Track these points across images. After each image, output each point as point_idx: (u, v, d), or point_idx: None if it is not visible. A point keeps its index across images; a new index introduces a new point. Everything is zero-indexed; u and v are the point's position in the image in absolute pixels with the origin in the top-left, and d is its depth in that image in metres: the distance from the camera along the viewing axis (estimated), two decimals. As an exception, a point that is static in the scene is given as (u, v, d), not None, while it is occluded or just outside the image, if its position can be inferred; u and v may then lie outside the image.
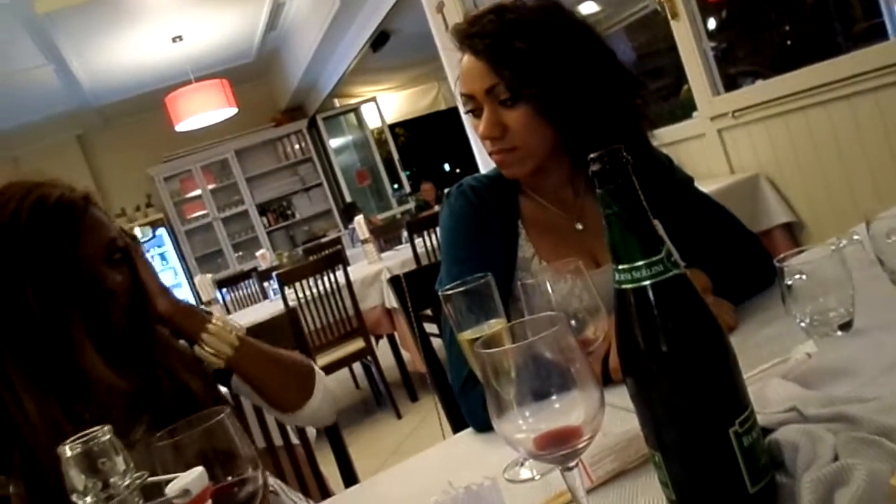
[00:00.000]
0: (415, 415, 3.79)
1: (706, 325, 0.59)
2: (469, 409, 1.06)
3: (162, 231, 8.36)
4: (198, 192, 8.59)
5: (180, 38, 6.28)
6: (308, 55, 7.03)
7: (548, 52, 1.07)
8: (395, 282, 1.44)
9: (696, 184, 1.34)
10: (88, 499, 0.49)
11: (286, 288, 3.72)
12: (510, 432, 0.56)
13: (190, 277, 8.25)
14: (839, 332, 0.89)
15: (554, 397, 0.54)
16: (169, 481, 0.54)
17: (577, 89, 1.08)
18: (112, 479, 0.49)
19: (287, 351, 1.27)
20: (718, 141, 2.89)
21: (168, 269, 8.39)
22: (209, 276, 4.35)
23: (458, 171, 12.39)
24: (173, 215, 8.47)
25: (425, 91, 9.70)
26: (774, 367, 0.79)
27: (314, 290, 3.69)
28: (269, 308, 4.04)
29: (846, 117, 2.40)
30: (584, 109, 1.09)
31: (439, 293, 0.83)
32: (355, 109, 9.44)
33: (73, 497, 0.49)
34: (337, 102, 9.16)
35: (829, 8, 7.44)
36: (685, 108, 3.64)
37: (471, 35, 1.11)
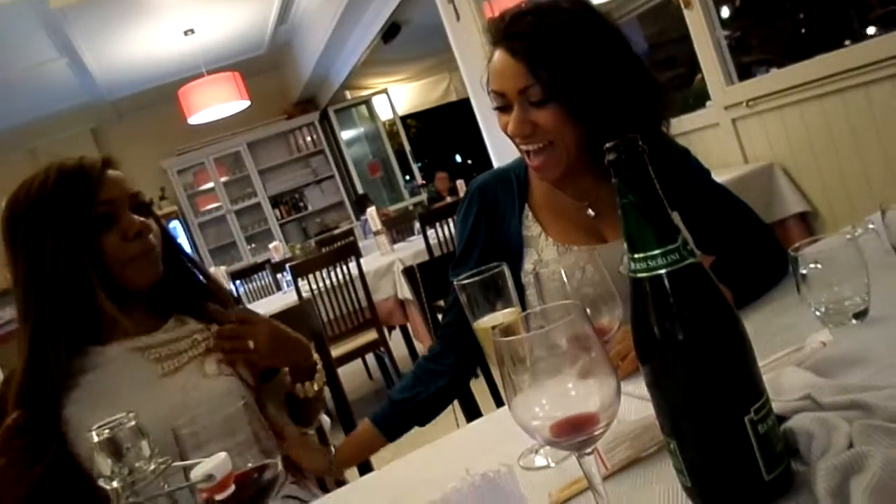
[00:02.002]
0: (428, 405, 3.80)
1: (722, 314, 0.59)
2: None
3: (176, 223, 8.41)
4: (211, 184, 8.63)
5: (192, 31, 6.30)
6: (319, 47, 7.03)
7: (583, 57, 1.09)
8: (409, 273, 1.45)
9: (712, 174, 1.36)
10: (115, 483, 0.50)
11: (299, 280, 3.74)
12: (527, 419, 0.56)
13: (204, 269, 8.28)
14: (854, 321, 0.89)
15: (570, 385, 0.55)
16: (192, 466, 0.55)
17: (606, 92, 1.10)
18: (137, 464, 0.50)
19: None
20: (732, 130, 2.88)
21: (182, 261, 8.43)
22: (223, 268, 4.37)
23: (469, 161, 12.39)
24: (187, 208, 8.52)
25: (436, 82, 9.68)
26: (789, 356, 0.80)
27: (327, 282, 3.71)
28: (283, 300, 4.06)
29: (862, 106, 2.38)
30: (611, 111, 1.11)
31: (454, 282, 0.84)
32: (367, 101, 9.44)
33: (101, 482, 0.50)
34: (348, 94, 9.16)
35: (845, -3, 7.35)
36: (698, 98, 3.62)
37: (510, 35, 1.13)
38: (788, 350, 0.82)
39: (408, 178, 9.67)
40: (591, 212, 1.24)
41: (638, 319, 0.61)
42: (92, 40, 5.85)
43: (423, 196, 8.93)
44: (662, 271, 0.59)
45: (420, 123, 10.65)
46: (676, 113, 3.17)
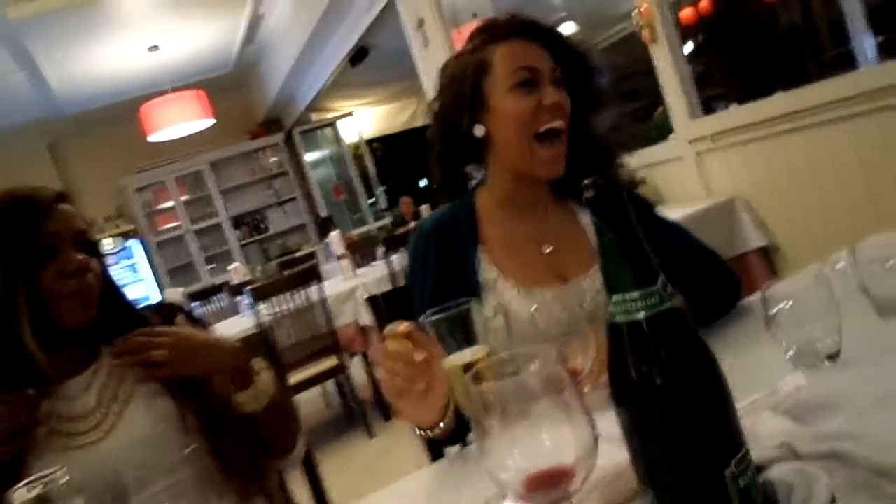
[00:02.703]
0: (387, 434, 3.74)
1: (703, 362, 0.57)
2: None
3: (133, 242, 8.22)
4: (171, 203, 8.47)
5: (157, 47, 6.21)
6: (286, 68, 6.99)
7: (586, 67, 1.25)
8: (372, 301, 1.41)
9: (672, 206, 1.40)
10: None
11: (259, 303, 3.66)
12: (497, 471, 0.53)
13: (160, 290, 8.11)
14: (826, 363, 0.88)
15: (544, 435, 0.52)
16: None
17: (595, 105, 1.25)
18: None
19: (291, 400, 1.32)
20: (695, 164, 2.91)
21: (139, 281, 8.24)
22: (180, 289, 4.26)
23: (434, 186, 12.40)
24: (145, 226, 8.34)
25: (403, 107, 9.70)
26: (764, 399, 0.78)
27: (288, 306, 3.64)
28: (241, 323, 3.97)
29: (822, 144, 2.43)
30: (591, 128, 1.25)
31: (420, 319, 0.80)
32: (332, 124, 9.40)
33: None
34: (314, 116, 9.11)
35: (800, 35, 7.61)
36: (660, 130, 3.67)
37: (531, 25, 1.23)
38: (763, 394, 0.80)
39: (372, 201, 9.62)
40: (547, 249, 1.23)
41: (615, 363, 0.58)
42: (52, 53, 5.72)
43: (388, 220, 8.89)
44: (641, 315, 0.56)
45: (385, 147, 10.63)
46: (638, 145, 3.23)
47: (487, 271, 1.21)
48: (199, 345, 1.16)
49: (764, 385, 0.83)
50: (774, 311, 0.91)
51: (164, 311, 1.30)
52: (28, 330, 1.07)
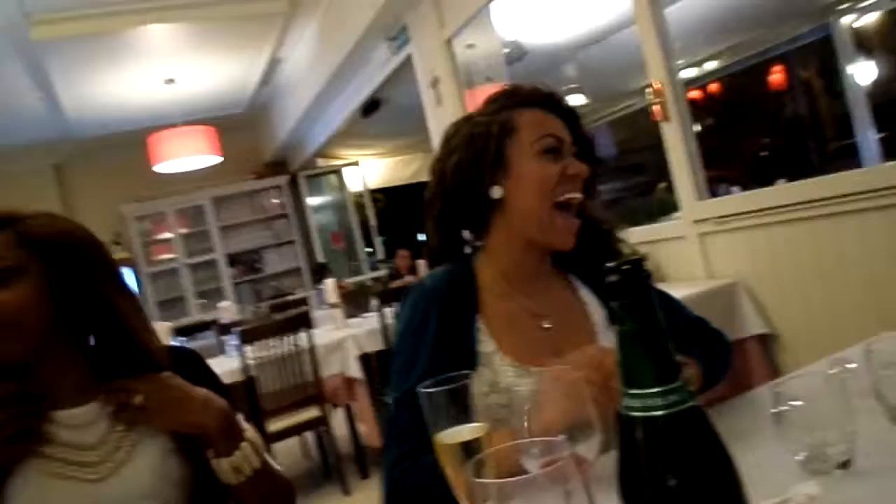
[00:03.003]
0: (363, 492, 3.63)
1: (721, 466, 0.53)
2: (391, 485, 1.07)
3: (126, 271, 8.15)
4: (168, 235, 8.45)
5: (173, 80, 6.28)
6: (298, 113, 7.06)
7: (592, 155, 1.27)
8: (364, 360, 1.37)
9: (673, 285, 1.39)
10: None
11: (246, 345, 3.59)
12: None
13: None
14: (837, 471, 0.84)
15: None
16: None
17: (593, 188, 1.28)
18: None
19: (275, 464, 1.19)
20: (699, 245, 2.90)
21: (126, 310, 8.14)
22: (168, 324, 4.20)
23: (429, 247, 12.40)
24: (140, 256, 8.29)
25: (408, 161, 9.78)
26: (775, 508, 0.73)
27: (275, 351, 3.57)
28: (225, 364, 3.88)
29: (826, 236, 2.42)
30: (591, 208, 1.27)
31: (417, 390, 0.76)
32: (337, 171, 9.46)
33: None
34: (320, 162, 9.17)
35: (805, 125, 7.73)
36: (661, 206, 3.67)
37: (553, 99, 1.25)
38: (774, 501, 0.75)
39: (369, 251, 9.60)
40: (546, 324, 1.19)
41: (626, 459, 0.55)
42: (70, 76, 5.78)
43: (383, 272, 8.86)
44: (659, 413, 0.52)
45: (387, 199, 10.69)
46: (641, 219, 3.21)
47: (486, 343, 1.16)
48: (182, 396, 1.07)
49: (773, 489, 0.78)
50: (784, 409, 0.87)
51: (176, 355, 1.21)
52: None
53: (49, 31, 4.80)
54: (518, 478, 0.48)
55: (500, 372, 1.12)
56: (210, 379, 1.21)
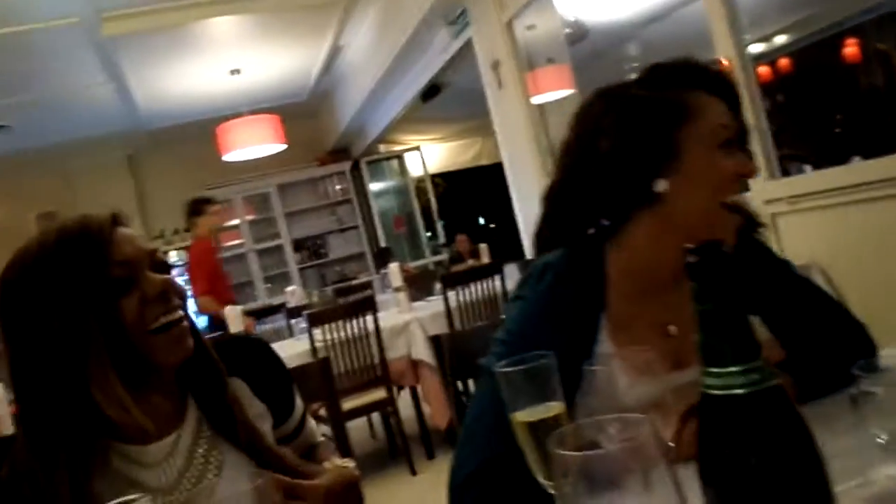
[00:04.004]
0: (430, 473, 3.69)
1: (803, 445, 0.53)
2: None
3: (197, 257, 8.42)
4: (236, 221, 8.69)
5: (238, 71, 6.43)
6: (359, 100, 7.14)
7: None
8: (435, 341, 1.39)
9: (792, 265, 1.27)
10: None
11: (314, 328, 3.68)
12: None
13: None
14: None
15: (630, 510, 0.49)
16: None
17: None
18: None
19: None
20: (771, 226, 2.82)
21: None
22: (239, 307, 4.34)
23: (492, 225, 12.43)
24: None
25: (468, 145, 9.79)
26: (857, 488, 0.73)
27: (342, 334, 3.65)
28: (295, 347, 4.00)
29: (907, 215, 2.33)
30: None
31: (494, 369, 0.78)
32: (399, 156, 9.54)
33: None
34: (381, 148, 9.27)
35: (881, 100, 7.39)
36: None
37: (730, 80, 1.10)
38: (853, 483, 0.74)
39: (430, 235, 9.67)
40: (672, 328, 1.07)
41: (707, 439, 0.55)
42: (140, 69, 5.98)
43: (444, 255, 8.92)
44: (739, 391, 0.53)
45: (447, 183, 10.73)
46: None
47: (604, 344, 1.05)
48: (345, 498, 1.06)
49: (855, 471, 0.77)
50: (871, 389, 0.86)
51: (244, 345, 1.19)
52: (115, 380, 0.92)
53: (120, 26, 4.98)
54: (600, 450, 0.49)
55: (614, 378, 1.03)
56: (276, 367, 1.20)
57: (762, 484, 0.52)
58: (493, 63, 4.60)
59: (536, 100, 4.45)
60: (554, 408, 0.75)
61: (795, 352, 1.06)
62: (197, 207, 5.18)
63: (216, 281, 5.15)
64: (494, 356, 1.04)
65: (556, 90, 4.44)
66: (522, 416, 0.75)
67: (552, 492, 0.75)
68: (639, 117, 1.03)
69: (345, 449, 1.59)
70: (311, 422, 1.27)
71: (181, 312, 1.00)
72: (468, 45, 4.96)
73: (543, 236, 1.16)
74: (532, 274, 1.11)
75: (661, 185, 1.02)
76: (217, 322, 4.78)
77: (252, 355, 1.17)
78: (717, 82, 1.08)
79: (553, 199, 1.14)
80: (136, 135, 7.89)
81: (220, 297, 4.99)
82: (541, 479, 0.76)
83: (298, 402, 1.22)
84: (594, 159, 1.05)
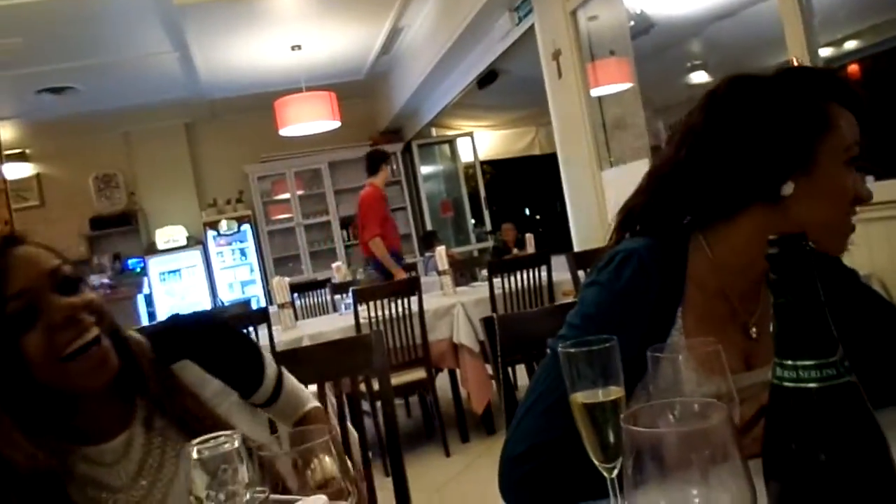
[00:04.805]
0: (464, 455, 3.72)
1: (874, 444, 0.53)
2: (509, 482, 1.01)
3: (247, 227, 8.59)
4: (287, 195, 8.81)
5: (299, 47, 6.51)
6: (416, 82, 7.16)
7: None
8: (487, 322, 1.41)
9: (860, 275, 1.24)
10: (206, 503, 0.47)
11: (359, 304, 3.73)
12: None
13: (265, 276, 8.44)
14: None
15: (698, 496, 0.49)
16: (290, 502, 0.52)
17: None
18: (233, 488, 0.47)
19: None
20: (829, 234, 2.76)
21: (246, 264, 8.62)
22: (287, 279, 4.41)
23: (537, 217, 12.37)
24: (260, 214, 8.70)
25: (521, 134, 9.74)
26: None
27: (386, 312, 3.70)
28: (337, 322, 4.06)
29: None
30: None
31: (558, 349, 0.79)
32: (451, 141, 9.55)
33: (192, 501, 0.47)
34: (434, 131, 9.28)
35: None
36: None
37: (866, 101, 1.07)
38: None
39: (475, 222, 9.68)
40: (753, 331, 1.07)
41: (774, 430, 0.56)
42: (205, 40, 6.10)
43: (490, 243, 8.92)
44: (812, 385, 0.53)
45: (495, 171, 10.71)
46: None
47: (677, 338, 1.04)
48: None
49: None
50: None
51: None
52: (11, 427, 0.88)
53: (192, -5, 5.09)
54: (674, 429, 0.50)
55: (681, 374, 1.01)
56: (230, 340, 1.18)
57: (828, 481, 0.53)
58: (554, 52, 4.57)
59: (595, 92, 4.41)
60: (614, 392, 0.76)
61: (858, 360, 1.05)
62: (384, 156, 5.71)
63: (386, 225, 5.56)
64: (564, 338, 1.04)
65: (616, 83, 4.40)
66: (582, 397, 0.76)
67: (606, 475, 0.77)
68: (785, 119, 1.02)
69: (390, 426, 1.61)
70: (295, 387, 1.27)
71: (95, 332, 0.93)
72: (529, 33, 4.93)
73: (634, 214, 1.14)
74: (613, 259, 1.10)
75: (788, 189, 1.02)
76: (383, 268, 5.41)
77: (200, 335, 1.14)
78: (853, 97, 1.06)
79: (662, 178, 1.11)
80: (194, 103, 8.05)
81: (388, 242, 5.48)
82: (596, 462, 0.77)
83: (269, 369, 1.21)
84: (726, 147, 1.03)
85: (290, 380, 1.27)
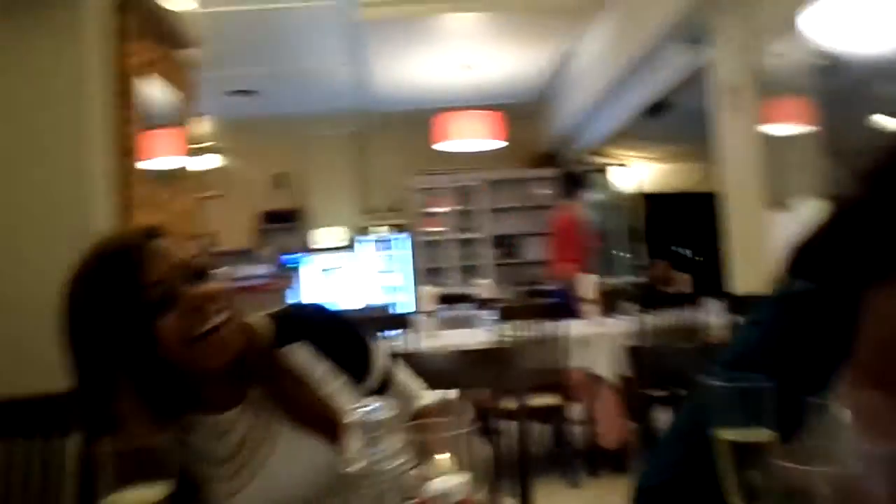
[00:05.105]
0: (591, 489, 3.64)
1: None
2: None
3: (402, 236, 8.93)
4: (441, 209, 9.05)
5: (469, 67, 6.69)
6: (580, 108, 7.13)
7: None
8: (634, 352, 1.38)
9: None
10: (358, 464, 0.51)
11: (504, 321, 3.76)
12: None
13: (415, 284, 8.69)
14: None
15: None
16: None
17: None
18: (382, 455, 0.51)
19: None
20: None
21: (397, 271, 8.94)
22: (438, 289, 4.53)
23: (696, 258, 11.78)
24: (415, 224, 9.00)
25: (681, 169, 9.43)
26: None
27: (528, 333, 3.70)
28: (477, 335, 4.10)
29: None
30: None
31: (709, 383, 0.77)
32: (606, 170, 9.41)
33: (346, 461, 0.51)
34: (591, 159, 9.19)
35: None
36: None
37: None
38: None
39: (625, 255, 9.44)
40: None
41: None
42: (383, 54, 6.44)
43: (638, 278, 8.67)
44: None
45: (651, 204, 10.38)
46: None
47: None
48: None
49: None
50: None
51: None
52: (143, 409, 0.98)
53: (376, 12, 5.39)
54: (845, 470, 0.48)
55: (840, 418, 0.82)
56: (343, 328, 1.25)
57: None
58: (731, 88, 4.40)
59: (770, 130, 4.19)
60: (764, 434, 0.73)
61: None
62: (581, 181, 5.49)
63: (577, 250, 5.29)
64: (714, 375, 0.97)
65: (795, 123, 4.16)
66: (729, 434, 0.74)
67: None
68: None
69: (523, 445, 1.61)
70: (407, 381, 1.29)
71: (223, 317, 1.02)
72: (708, 66, 4.78)
73: (808, 252, 0.97)
74: (779, 300, 1.00)
75: None
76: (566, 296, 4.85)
77: (315, 319, 1.24)
78: None
79: (842, 219, 0.93)
80: (364, 114, 8.47)
81: (577, 265, 5.11)
82: (734, 502, 0.74)
83: (380, 361, 1.25)
84: None
85: (405, 374, 1.30)
